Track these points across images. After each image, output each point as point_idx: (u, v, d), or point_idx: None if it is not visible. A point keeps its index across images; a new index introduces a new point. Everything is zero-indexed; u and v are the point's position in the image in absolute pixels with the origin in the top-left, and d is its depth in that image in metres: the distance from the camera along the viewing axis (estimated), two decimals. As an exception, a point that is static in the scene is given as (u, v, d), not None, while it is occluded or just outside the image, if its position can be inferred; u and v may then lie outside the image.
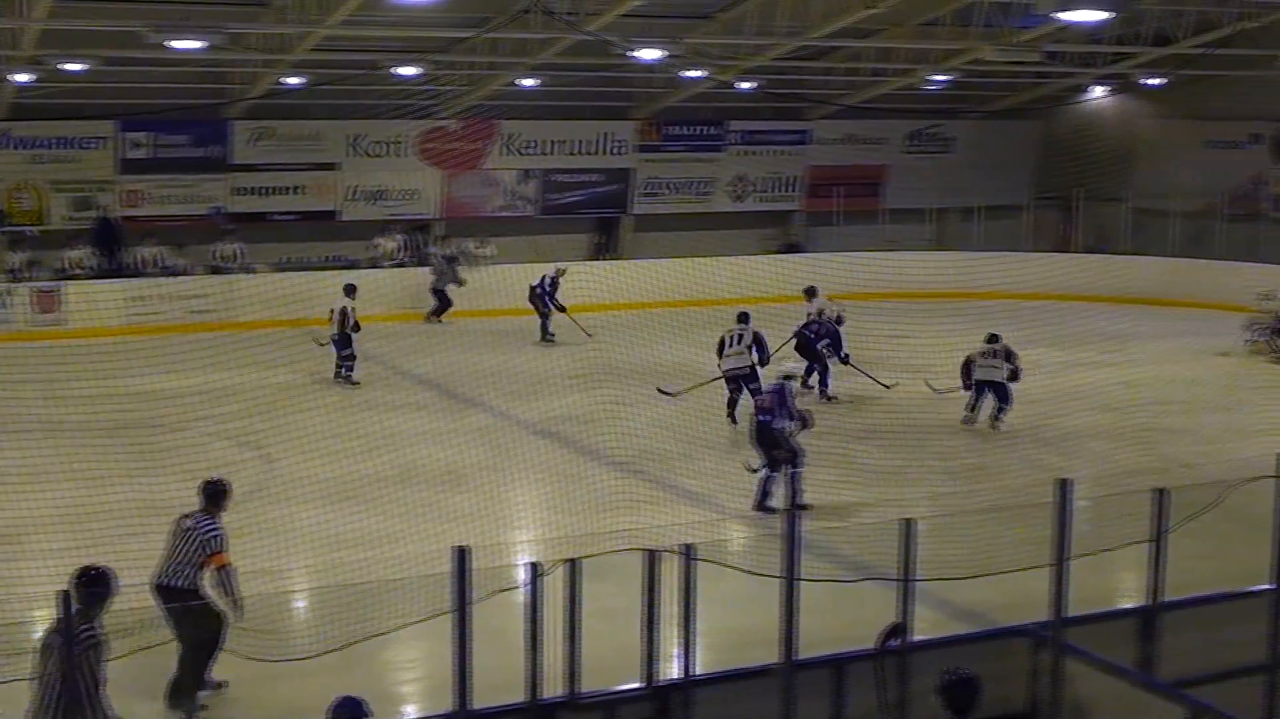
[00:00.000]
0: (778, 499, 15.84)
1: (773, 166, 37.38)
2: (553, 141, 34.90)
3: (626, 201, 36.14)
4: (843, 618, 10.65)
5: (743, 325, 21.07)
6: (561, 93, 32.40)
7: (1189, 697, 9.07)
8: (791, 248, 36.52)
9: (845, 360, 22.53)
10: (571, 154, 35.22)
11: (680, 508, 15.90)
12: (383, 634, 9.96)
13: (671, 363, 23.41)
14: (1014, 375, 20.61)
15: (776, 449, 15.93)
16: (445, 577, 7.93)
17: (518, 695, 8.35)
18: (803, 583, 8.70)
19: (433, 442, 19.27)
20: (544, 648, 8.30)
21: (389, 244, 32.56)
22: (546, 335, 27.91)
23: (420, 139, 33.45)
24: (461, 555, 7.90)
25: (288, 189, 32.62)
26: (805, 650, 8.83)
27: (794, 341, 22.66)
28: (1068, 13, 14.88)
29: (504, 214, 34.86)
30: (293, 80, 29.38)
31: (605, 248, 36.43)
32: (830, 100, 34.88)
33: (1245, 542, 13.20)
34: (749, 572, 9.63)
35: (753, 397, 18.45)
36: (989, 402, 20.56)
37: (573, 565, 8.40)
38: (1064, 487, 9.52)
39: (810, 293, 23.86)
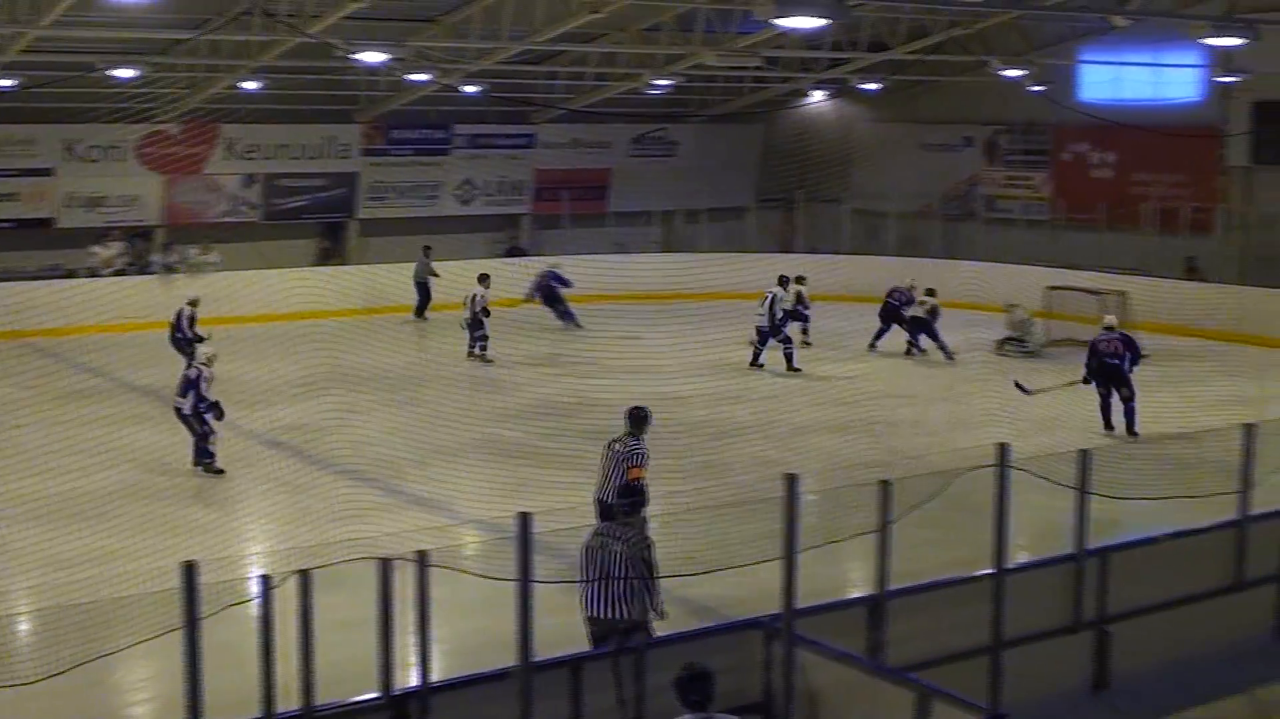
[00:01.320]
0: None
1: (500, 170, 37.33)
2: (276, 145, 34.22)
3: (352, 206, 35.64)
4: (580, 618, 10.66)
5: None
6: (285, 96, 31.84)
7: (917, 680, 9.33)
8: (516, 251, 36.52)
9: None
10: (296, 158, 34.58)
11: (413, 514, 15.74)
12: (111, 654, 9.60)
13: (400, 366, 23.22)
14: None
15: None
16: (175, 593, 7.70)
17: (253, 711, 8.15)
18: (538, 585, 8.69)
19: (159, 455, 18.67)
20: (278, 662, 8.12)
21: (107, 252, 31.50)
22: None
23: (139, 143, 32.41)
24: (190, 570, 7.67)
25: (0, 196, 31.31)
26: (543, 651, 8.82)
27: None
28: (786, 19, 15.14)
29: (228, 219, 34.03)
30: (4, 83, 28.17)
31: (332, 253, 35.85)
32: (555, 104, 35.01)
33: (968, 528, 13.68)
34: (483, 576, 9.56)
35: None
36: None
37: (304, 577, 8.23)
38: (792, 481, 9.69)
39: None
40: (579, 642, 9.71)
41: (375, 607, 8.54)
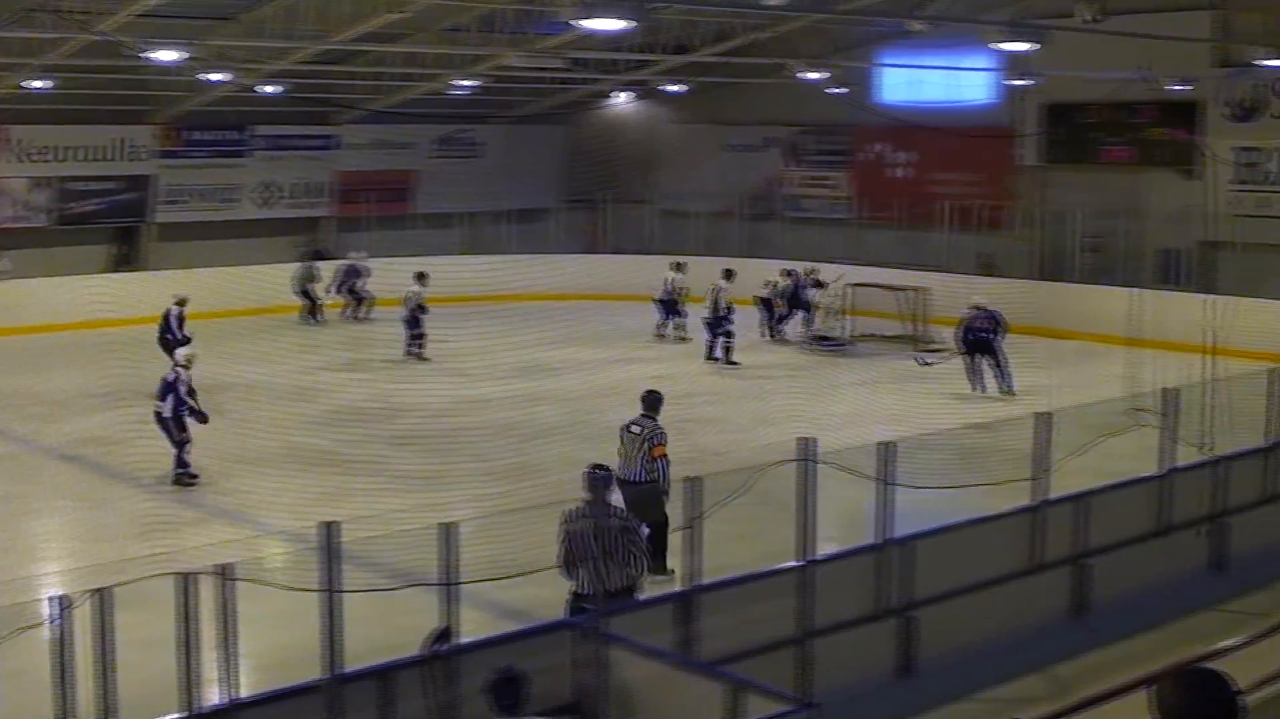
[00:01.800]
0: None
1: (301, 172, 36.79)
2: (66, 147, 33.25)
3: (147, 209, 34.77)
4: (389, 627, 10.55)
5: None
6: (75, 96, 30.92)
7: (727, 673, 9.41)
8: (318, 255, 36.01)
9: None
10: (87, 160, 33.65)
11: (217, 527, 15.43)
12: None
13: (204, 375, 22.66)
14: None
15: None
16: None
17: (48, 736, 7.90)
18: (345, 595, 8.57)
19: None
20: (76, 685, 7.87)
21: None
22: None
23: (-81, 148, 31.29)
24: (-23, 592, 7.41)
25: None
26: (352, 662, 8.70)
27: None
28: (589, 21, 15.16)
29: (15, 225, 32.93)
30: None
31: (126, 259, 34.92)
32: (357, 105, 34.62)
33: (775, 522, 13.84)
34: (289, 588, 9.39)
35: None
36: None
37: (102, 595, 7.99)
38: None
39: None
40: (389, 651, 9.59)
41: (176, 623, 8.33)
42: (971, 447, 16.19)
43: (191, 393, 17.49)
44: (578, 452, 19.18)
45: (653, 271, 31.97)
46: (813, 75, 31.42)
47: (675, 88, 35.93)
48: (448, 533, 9.23)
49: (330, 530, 8.53)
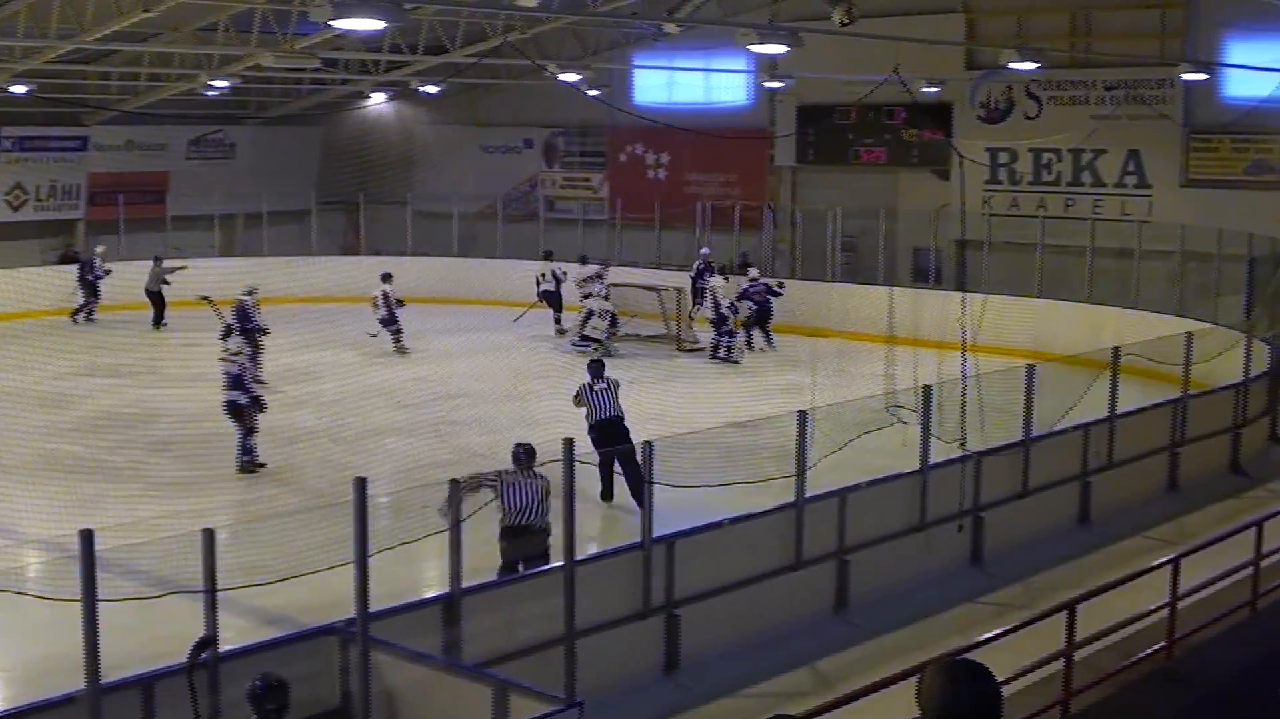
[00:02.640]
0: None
1: (52, 174, 35.53)
2: None
3: (-117, 213, 33.29)
4: (151, 635, 10.34)
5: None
6: None
7: (493, 674, 9.46)
8: (68, 259, 34.90)
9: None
10: None
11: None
12: None
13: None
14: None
15: None
16: None
17: None
18: (105, 604, 8.39)
19: None
20: None
21: None
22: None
23: None
24: None
25: None
26: (113, 672, 8.53)
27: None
28: (343, 21, 15.01)
29: None
30: None
31: None
32: (109, 106, 33.65)
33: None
34: (46, 598, 9.16)
35: None
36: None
37: None
38: (361, 484, 9.68)
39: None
40: (152, 660, 9.41)
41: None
42: (734, 445, 16.45)
43: None
44: (338, 455, 19.06)
45: (408, 273, 31.83)
46: (569, 77, 31.61)
47: (432, 88, 35.76)
48: (209, 538, 9.10)
49: (88, 538, 8.34)
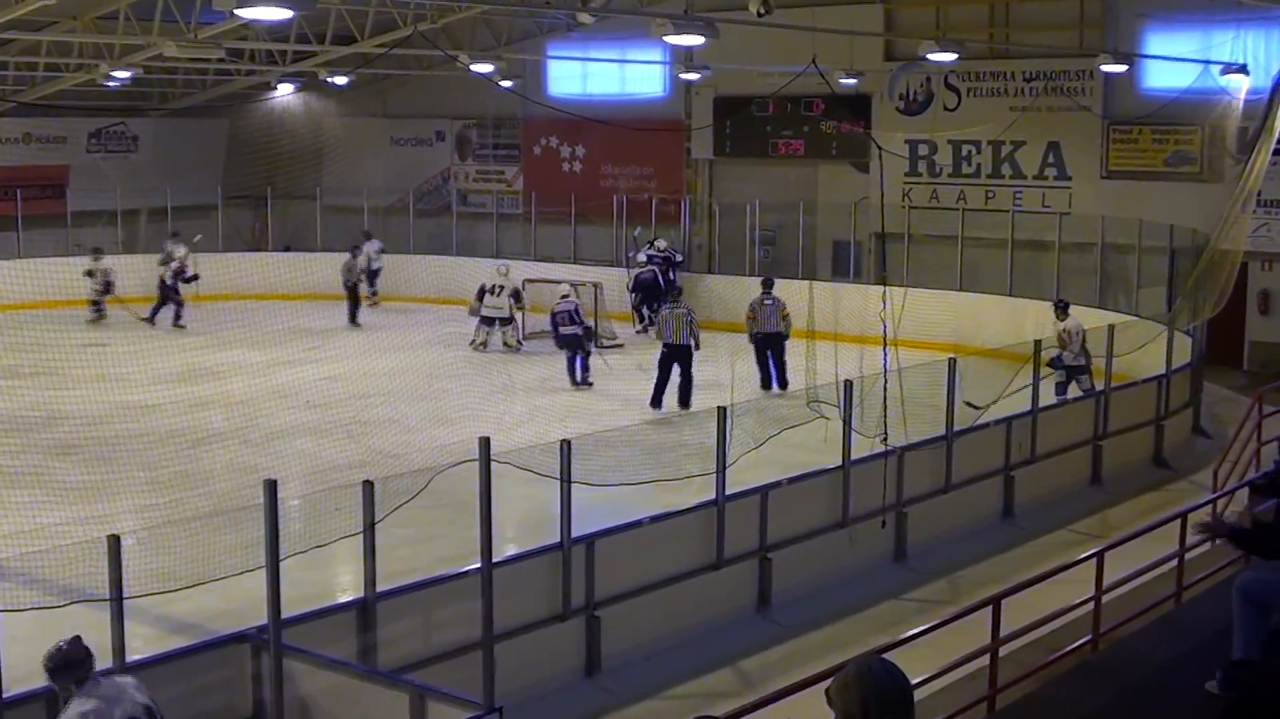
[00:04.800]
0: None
1: (-55, 169, 34.72)
2: None
3: None
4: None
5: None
6: None
7: (410, 680, 9.25)
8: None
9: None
10: None
11: None
12: None
13: None
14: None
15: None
16: None
17: None
18: (7, 614, 8.09)
19: None
20: None
21: None
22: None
23: None
24: None
25: None
26: (15, 685, 8.23)
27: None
28: (247, 10, 14.66)
29: None
30: None
31: None
32: (5, 97, 32.90)
33: (454, 524, 13.67)
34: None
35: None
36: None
37: None
38: (272, 487, 9.44)
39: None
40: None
41: None
42: (654, 443, 16.29)
43: None
44: (245, 457, 18.67)
45: (323, 268, 31.43)
46: (481, 67, 31.27)
47: (341, 80, 35.24)
48: (114, 545, 8.81)
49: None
